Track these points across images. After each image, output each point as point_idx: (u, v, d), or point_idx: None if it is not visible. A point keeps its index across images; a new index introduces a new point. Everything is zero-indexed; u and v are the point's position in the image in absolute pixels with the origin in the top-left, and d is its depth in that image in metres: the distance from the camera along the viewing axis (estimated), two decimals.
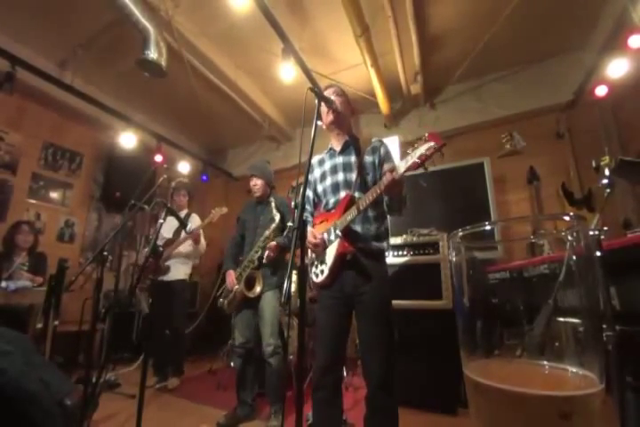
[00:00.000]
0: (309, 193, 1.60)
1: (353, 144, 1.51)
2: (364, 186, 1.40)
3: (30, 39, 2.99)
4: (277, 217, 2.05)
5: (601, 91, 2.61)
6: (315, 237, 1.38)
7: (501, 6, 2.45)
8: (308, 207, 1.61)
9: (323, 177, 1.53)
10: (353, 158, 1.47)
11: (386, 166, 1.41)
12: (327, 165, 1.53)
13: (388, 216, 1.47)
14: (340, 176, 1.46)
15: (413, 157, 1.09)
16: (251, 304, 2.08)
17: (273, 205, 2.12)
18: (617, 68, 2.42)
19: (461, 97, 3.53)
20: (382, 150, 1.46)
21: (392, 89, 3.38)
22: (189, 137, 4.80)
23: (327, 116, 1.48)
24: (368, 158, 1.45)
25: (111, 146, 3.86)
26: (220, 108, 3.92)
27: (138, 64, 2.54)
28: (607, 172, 1.67)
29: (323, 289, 1.42)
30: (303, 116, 1.27)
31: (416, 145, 1.10)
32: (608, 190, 1.64)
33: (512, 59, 3.20)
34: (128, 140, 3.53)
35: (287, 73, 2.70)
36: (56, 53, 3.18)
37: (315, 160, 1.61)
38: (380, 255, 1.41)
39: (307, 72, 2.88)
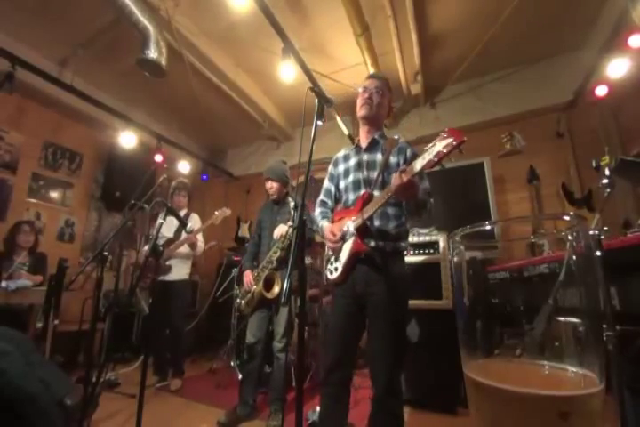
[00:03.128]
0: (332, 187, 1.59)
1: (380, 143, 1.47)
2: (384, 185, 1.35)
3: (30, 38, 2.99)
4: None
5: (601, 91, 2.61)
6: (334, 234, 1.37)
7: (502, 6, 2.45)
8: (328, 202, 1.59)
9: (346, 173, 1.52)
10: (378, 157, 1.44)
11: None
12: (352, 162, 1.51)
13: None
14: (363, 174, 1.44)
15: (431, 153, 1.03)
16: (267, 305, 2.12)
17: (291, 205, 2.13)
18: (617, 68, 2.42)
19: (461, 97, 3.53)
20: (409, 152, 1.42)
21: (392, 89, 3.36)
22: (189, 137, 4.80)
23: (360, 110, 1.47)
24: (393, 159, 1.40)
25: (111, 145, 3.86)
26: (219, 108, 3.92)
27: (138, 64, 2.54)
28: (607, 172, 1.66)
29: (336, 286, 1.42)
30: (303, 116, 1.27)
31: (434, 141, 1.04)
32: (608, 190, 1.64)
33: (512, 59, 3.20)
34: (128, 139, 3.52)
35: (287, 72, 2.70)
36: (56, 53, 3.18)
37: (340, 155, 1.60)
38: (397, 255, 1.37)
39: (307, 72, 2.88)
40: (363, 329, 1.36)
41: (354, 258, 1.32)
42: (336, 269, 1.38)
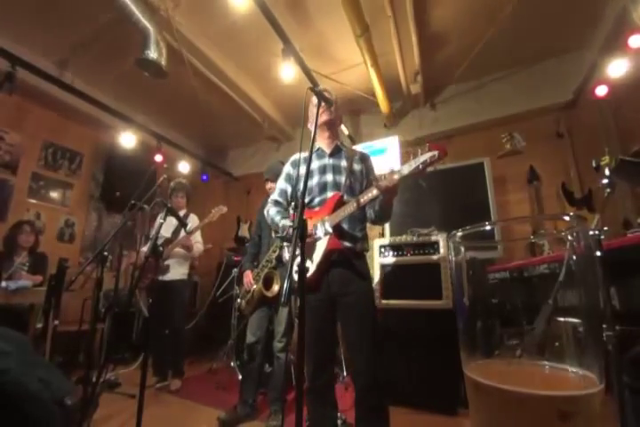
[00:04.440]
0: (288, 188, 1.61)
1: (343, 150, 1.58)
2: (352, 189, 1.47)
3: (30, 39, 2.99)
4: None
5: (601, 91, 2.61)
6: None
7: (502, 6, 2.45)
8: (283, 202, 1.61)
9: (310, 175, 1.54)
10: (343, 163, 1.52)
11: (376, 174, 1.52)
12: (315, 165, 1.55)
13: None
14: (329, 177, 1.50)
15: (417, 162, 1.18)
16: (267, 304, 2.12)
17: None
18: (617, 68, 2.41)
19: (461, 97, 3.53)
20: (368, 162, 1.57)
21: (392, 89, 3.37)
22: (189, 137, 4.80)
23: (322, 116, 1.49)
24: (356, 166, 1.53)
25: (111, 146, 3.86)
26: (220, 108, 3.91)
27: (138, 64, 2.53)
28: (607, 172, 1.66)
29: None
30: (303, 116, 1.28)
31: (420, 152, 1.20)
32: (608, 190, 1.63)
33: (512, 59, 3.20)
34: (128, 139, 3.53)
35: (287, 73, 2.70)
36: (56, 53, 3.17)
37: (298, 157, 1.62)
38: (364, 257, 1.47)
39: (307, 72, 2.88)
40: (336, 330, 1.43)
41: (329, 256, 1.35)
42: (307, 269, 1.39)
